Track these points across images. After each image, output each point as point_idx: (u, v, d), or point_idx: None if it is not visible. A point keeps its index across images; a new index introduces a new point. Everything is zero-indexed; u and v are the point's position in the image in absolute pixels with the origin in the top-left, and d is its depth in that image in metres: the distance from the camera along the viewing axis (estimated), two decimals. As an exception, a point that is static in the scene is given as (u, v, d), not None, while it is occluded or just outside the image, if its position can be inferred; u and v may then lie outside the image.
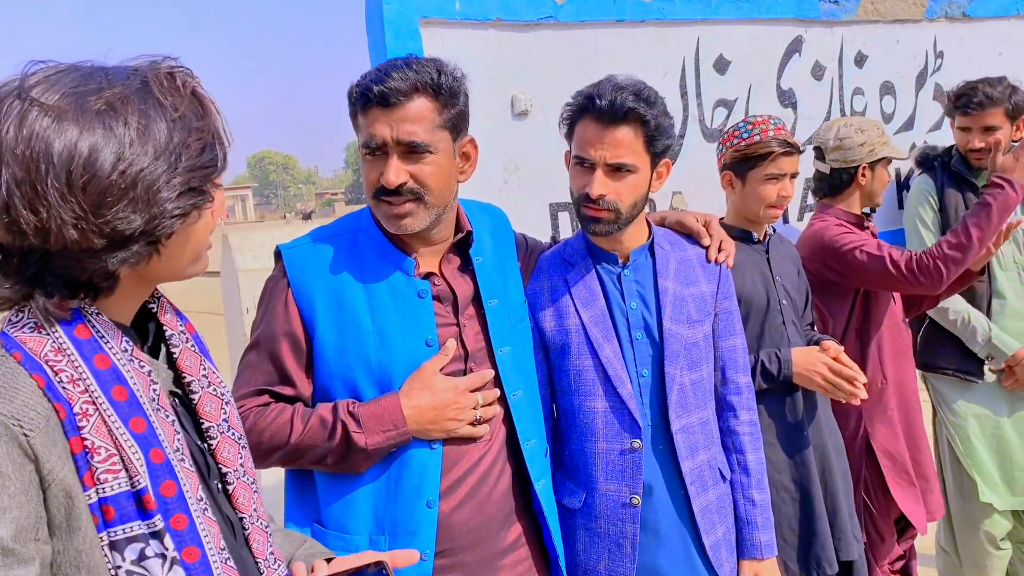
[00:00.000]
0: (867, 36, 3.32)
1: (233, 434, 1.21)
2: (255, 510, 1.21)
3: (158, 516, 1.03)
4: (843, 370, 2.25)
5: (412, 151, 1.63)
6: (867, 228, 2.84)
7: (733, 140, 2.43)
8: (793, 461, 2.31)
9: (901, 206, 3.44)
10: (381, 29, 2.36)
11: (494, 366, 1.77)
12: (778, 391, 2.32)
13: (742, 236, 2.44)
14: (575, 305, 1.93)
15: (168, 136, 1.01)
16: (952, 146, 3.16)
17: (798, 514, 2.30)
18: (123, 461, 1.01)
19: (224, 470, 1.18)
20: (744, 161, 2.39)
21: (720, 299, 2.04)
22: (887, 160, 2.82)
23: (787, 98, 3.15)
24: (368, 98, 1.62)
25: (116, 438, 1.01)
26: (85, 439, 0.99)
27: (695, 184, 2.93)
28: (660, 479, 1.89)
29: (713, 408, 2.02)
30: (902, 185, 3.48)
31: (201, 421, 1.18)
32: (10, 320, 1.03)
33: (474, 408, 1.68)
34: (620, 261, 1.97)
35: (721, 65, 2.99)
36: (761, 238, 2.48)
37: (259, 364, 1.68)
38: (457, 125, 1.70)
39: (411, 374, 1.66)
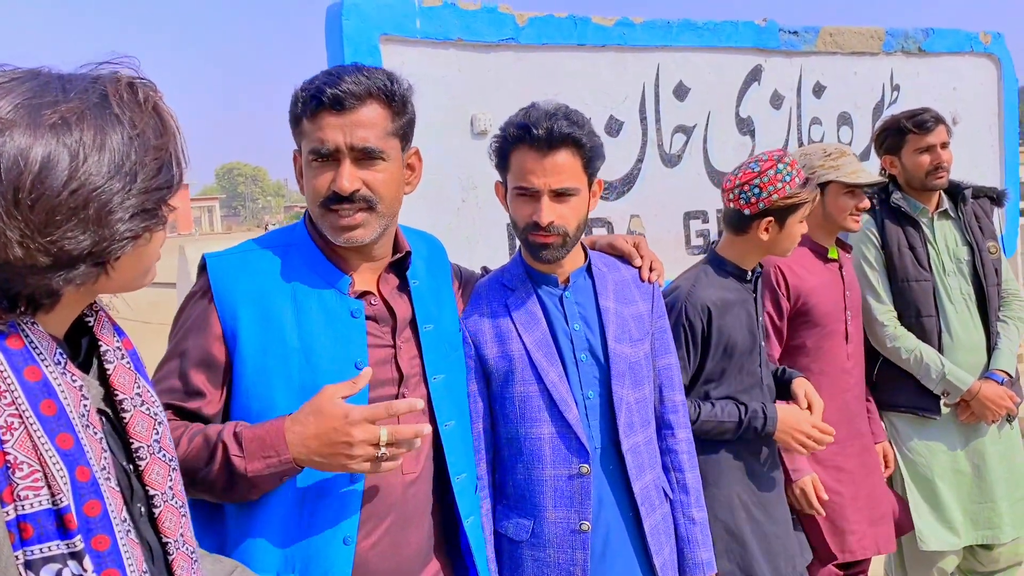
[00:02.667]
0: (826, 67, 3.38)
1: (164, 455, 1.18)
2: (181, 535, 1.17)
3: (79, 536, 0.99)
4: (823, 437, 2.31)
5: (365, 157, 1.58)
6: (833, 260, 2.83)
7: (777, 184, 2.34)
8: (761, 500, 2.33)
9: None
10: (340, 44, 2.35)
11: (427, 393, 1.72)
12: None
13: (737, 274, 2.44)
14: (517, 330, 1.92)
15: (124, 154, 0.97)
16: (887, 182, 3.16)
17: (764, 551, 2.32)
18: (46, 478, 0.97)
19: (151, 492, 1.14)
20: (788, 208, 2.35)
21: (655, 318, 2.05)
22: (842, 185, 2.80)
23: (746, 126, 3.19)
24: (320, 101, 1.55)
25: (41, 454, 0.97)
26: (7, 454, 0.95)
27: (653, 208, 2.96)
28: (611, 502, 1.87)
29: (654, 427, 2.02)
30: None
31: (131, 441, 1.14)
32: None
33: (375, 445, 1.43)
34: (560, 283, 1.97)
35: (681, 92, 3.03)
36: (751, 276, 2.47)
37: (167, 377, 1.58)
38: (407, 134, 1.67)
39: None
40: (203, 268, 1.65)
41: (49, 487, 0.97)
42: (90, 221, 0.95)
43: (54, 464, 0.97)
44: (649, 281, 2.05)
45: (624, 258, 2.09)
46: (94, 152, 0.95)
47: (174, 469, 1.19)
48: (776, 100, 3.27)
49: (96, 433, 1.05)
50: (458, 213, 2.62)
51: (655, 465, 1.96)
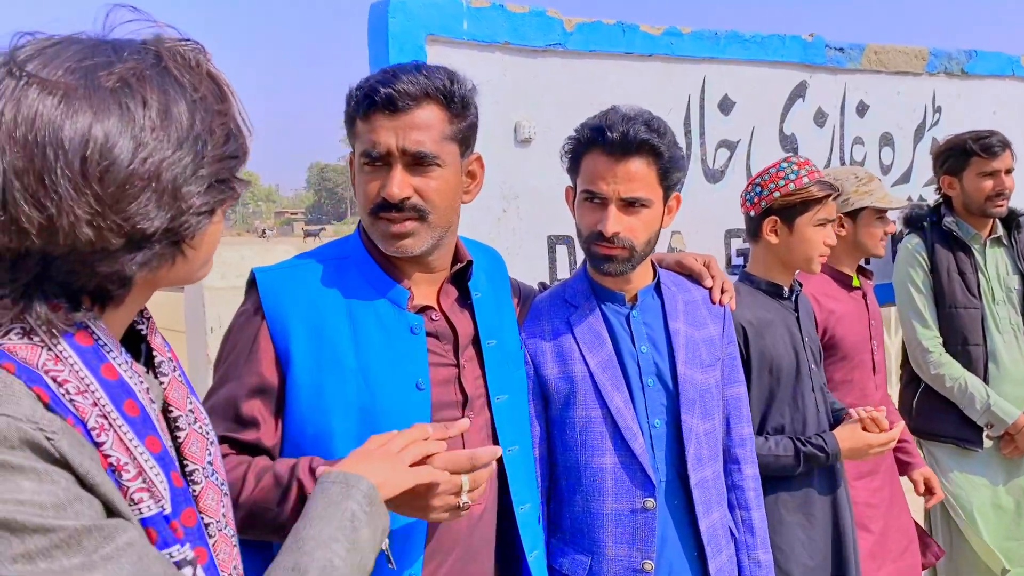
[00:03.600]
0: (870, 86, 3.28)
1: (216, 479, 1.05)
2: (234, 568, 1.06)
3: (188, 544, 0.90)
4: (889, 444, 2.22)
5: (418, 162, 1.47)
6: (856, 288, 2.73)
7: (779, 182, 2.27)
8: (821, 538, 2.21)
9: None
10: (385, 44, 2.23)
11: (491, 416, 1.60)
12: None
13: (772, 291, 2.32)
14: (580, 349, 1.79)
15: (190, 120, 0.86)
16: (939, 204, 3.09)
17: None
18: (145, 483, 0.87)
19: (206, 520, 1.02)
20: (794, 207, 2.26)
21: (726, 343, 1.93)
22: (875, 211, 2.71)
23: (789, 143, 3.08)
24: (373, 101, 1.45)
25: (136, 457, 0.86)
26: (108, 455, 0.84)
27: (694, 224, 2.84)
28: (675, 540, 1.75)
29: (721, 461, 1.90)
30: (896, 238, 3.43)
31: (185, 463, 1.01)
32: None
33: (456, 494, 1.31)
34: (627, 302, 1.85)
35: (726, 105, 2.92)
36: (789, 293, 2.36)
37: (220, 407, 1.44)
38: (466, 139, 1.55)
39: (395, 423, 1.45)
40: (252, 284, 1.52)
41: (151, 492, 0.87)
42: (164, 194, 0.83)
43: (150, 468, 0.87)
44: (720, 303, 1.93)
45: (693, 278, 1.97)
46: (160, 118, 0.83)
47: (225, 494, 1.07)
48: (820, 118, 3.16)
49: (168, 441, 0.94)
50: (498, 224, 2.49)
51: (722, 502, 1.84)
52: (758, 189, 2.33)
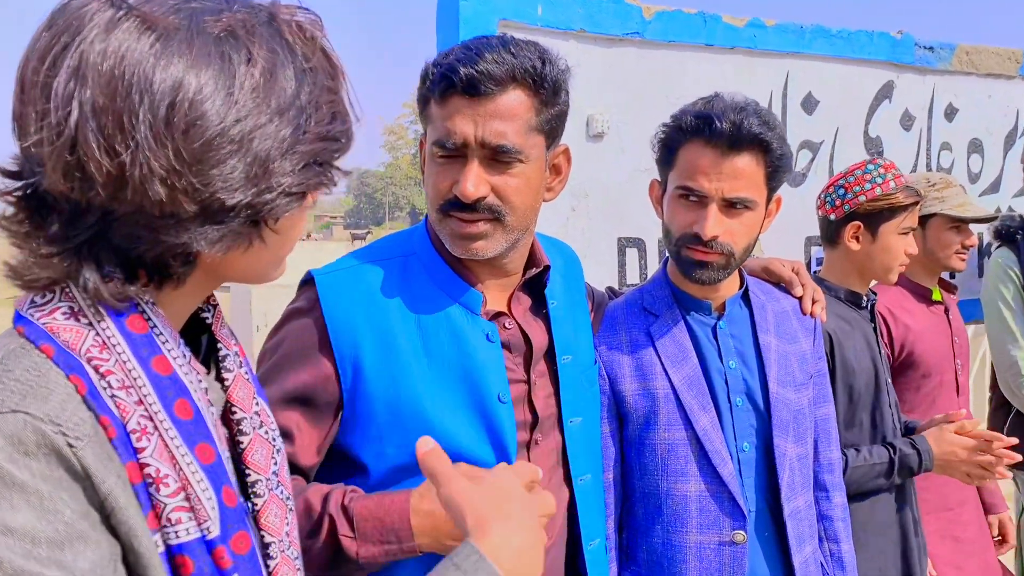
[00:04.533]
0: (959, 88, 3.08)
1: (282, 492, 0.92)
2: None
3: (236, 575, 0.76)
4: (989, 448, 1.97)
5: (498, 157, 1.28)
6: (937, 302, 2.53)
7: (865, 185, 2.12)
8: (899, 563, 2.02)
9: (982, 274, 3.17)
10: (456, 29, 2.10)
11: (562, 439, 1.43)
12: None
13: (851, 299, 2.15)
14: (662, 363, 1.62)
15: (296, 89, 0.74)
16: (998, 217, 2.87)
17: None
18: (188, 500, 0.74)
19: (268, 540, 0.89)
20: (879, 213, 2.10)
21: (816, 359, 1.76)
22: (948, 219, 2.51)
23: (874, 146, 2.89)
24: (451, 82, 1.26)
25: (181, 467, 0.74)
26: (146, 465, 0.72)
27: (773, 229, 2.64)
28: None
29: (812, 489, 1.72)
30: (983, 252, 3.21)
31: (247, 472, 0.88)
32: (33, 301, 0.75)
33: None
34: (714, 311, 1.68)
35: (809, 104, 2.74)
36: (865, 303, 2.19)
37: None
38: (554, 129, 1.35)
39: (475, 442, 1.30)
40: (308, 283, 1.36)
41: (193, 511, 0.74)
42: (254, 164, 0.72)
43: (198, 482, 0.74)
44: (812, 315, 1.76)
45: (781, 285, 1.80)
46: (265, 78, 0.72)
47: (291, 510, 0.93)
48: (907, 120, 2.97)
49: (224, 450, 0.81)
50: (566, 224, 2.34)
51: (814, 534, 1.67)
52: (841, 191, 2.16)
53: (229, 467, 0.80)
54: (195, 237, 0.72)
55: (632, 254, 2.45)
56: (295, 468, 1.27)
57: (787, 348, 1.69)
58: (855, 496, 1.94)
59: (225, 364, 0.87)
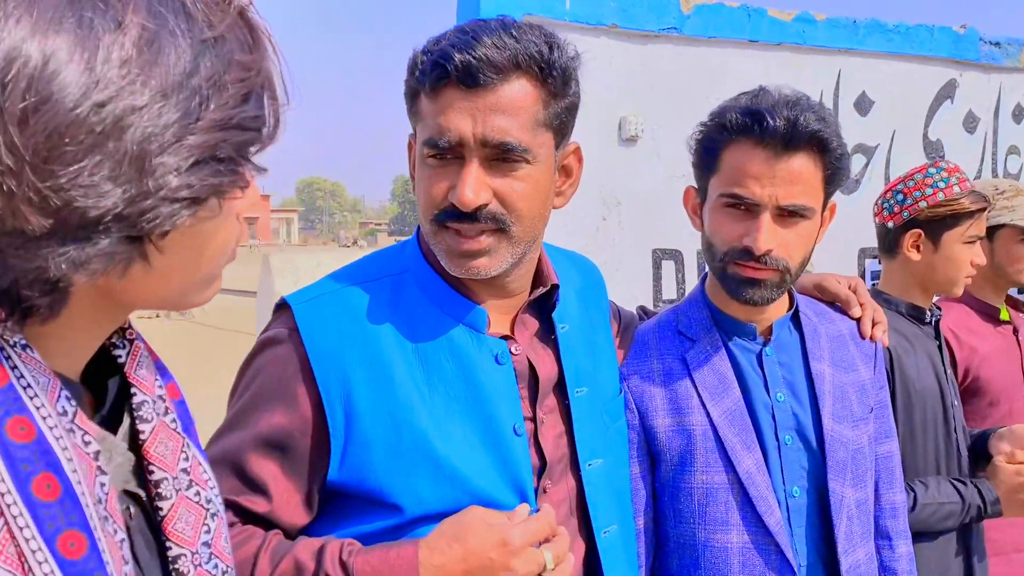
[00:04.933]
0: (1028, 87, 2.85)
1: (216, 567, 0.75)
2: None
3: None
4: None
5: (502, 157, 1.11)
6: (1005, 322, 2.31)
7: (925, 190, 1.94)
8: None
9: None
10: (475, 22, 1.96)
11: (578, 485, 1.25)
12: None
13: (908, 312, 1.95)
14: (700, 396, 1.43)
15: (191, 64, 0.57)
16: None
17: None
18: None
19: None
20: (942, 220, 1.91)
21: (877, 389, 1.55)
22: (1019, 230, 2.29)
23: (934, 150, 2.68)
24: (444, 71, 1.08)
25: (29, 565, 0.57)
26: None
27: (824, 240, 2.44)
28: None
29: (872, 539, 1.52)
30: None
31: (167, 544, 0.72)
32: None
33: (540, 574, 1.06)
34: (759, 335, 1.48)
35: (863, 104, 2.55)
36: (929, 318, 1.98)
37: (222, 460, 1.12)
38: (564, 125, 1.17)
39: (488, 480, 1.14)
40: (282, 307, 1.18)
41: None
42: (125, 160, 0.55)
43: None
44: (872, 339, 1.55)
45: (837, 305, 1.60)
46: (139, 49, 0.54)
47: None
48: (970, 122, 2.75)
49: (117, 532, 0.64)
50: (596, 234, 2.18)
51: None
52: (900, 197, 2.00)
53: (123, 551, 0.63)
54: (53, 260, 0.55)
55: (669, 267, 2.27)
56: (274, 526, 1.11)
57: (844, 378, 1.49)
58: (917, 535, 1.74)
59: (141, 412, 0.71)
